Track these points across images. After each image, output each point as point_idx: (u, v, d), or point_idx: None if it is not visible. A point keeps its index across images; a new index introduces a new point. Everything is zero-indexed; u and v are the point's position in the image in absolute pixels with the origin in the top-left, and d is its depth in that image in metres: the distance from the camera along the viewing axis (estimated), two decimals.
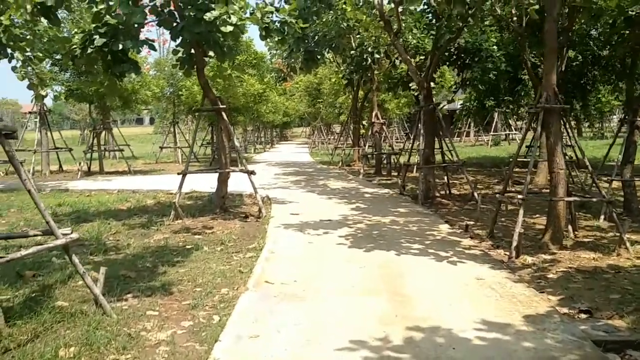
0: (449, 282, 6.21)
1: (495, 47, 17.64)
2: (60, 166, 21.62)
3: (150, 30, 72.82)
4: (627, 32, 10.98)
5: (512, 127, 38.01)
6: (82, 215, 10.99)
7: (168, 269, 6.87)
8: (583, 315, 5.21)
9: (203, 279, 6.42)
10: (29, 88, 12.79)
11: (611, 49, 16.09)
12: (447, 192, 13.42)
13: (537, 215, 10.21)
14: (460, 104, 24.43)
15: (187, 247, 8.13)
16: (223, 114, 10.31)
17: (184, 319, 5.12)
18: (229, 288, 6.06)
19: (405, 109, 32.54)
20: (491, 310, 5.22)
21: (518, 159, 16.02)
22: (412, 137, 27.58)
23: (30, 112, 20.91)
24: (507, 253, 7.52)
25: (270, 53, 21.73)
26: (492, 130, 38.56)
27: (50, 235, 4.81)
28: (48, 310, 5.05)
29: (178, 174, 10.45)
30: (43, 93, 10.17)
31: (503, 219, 9.82)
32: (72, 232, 4.87)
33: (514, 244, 7.42)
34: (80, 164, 19.94)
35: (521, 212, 7.76)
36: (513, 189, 11.96)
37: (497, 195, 8.95)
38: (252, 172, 10.40)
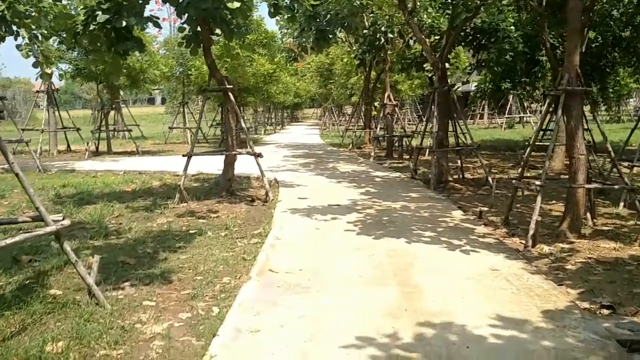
0: (462, 272, 5.90)
1: (512, 27, 17.11)
2: (69, 146, 21.46)
3: (162, 9, 72.21)
4: None
5: (528, 110, 37.27)
6: (85, 197, 10.77)
7: (169, 255, 6.62)
8: (605, 311, 4.89)
9: (205, 266, 6.16)
10: (34, 66, 12.51)
11: (633, 30, 15.52)
12: (461, 176, 13.05)
13: (554, 202, 9.83)
14: (475, 86, 23.93)
15: (191, 231, 7.88)
16: (230, 94, 9.99)
17: (181, 310, 4.86)
18: (231, 277, 5.79)
19: (418, 91, 32.01)
20: (507, 305, 4.91)
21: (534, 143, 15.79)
22: (424, 120, 27.20)
23: (38, 91, 20.70)
24: (523, 242, 7.20)
25: (281, 32, 21.23)
26: (507, 113, 37.87)
27: (41, 221, 4.54)
28: (39, 299, 4.81)
29: (183, 155, 10.18)
30: (48, 71, 9.86)
31: (518, 205, 9.47)
32: (63, 219, 4.60)
33: (531, 232, 7.09)
34: (88, 144, 19.74)
35: (539, 199, 7.41)
36: (529, 174, 11.58)
37: (514, 181, 8.58)
38: (259, 155, 10.10)
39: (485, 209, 9.55)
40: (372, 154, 17.91)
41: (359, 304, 4.96)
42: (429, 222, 8.35)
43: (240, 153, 10.30)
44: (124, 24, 8.48)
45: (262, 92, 24.50)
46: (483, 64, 19.08)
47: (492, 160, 17.34)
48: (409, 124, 33.89)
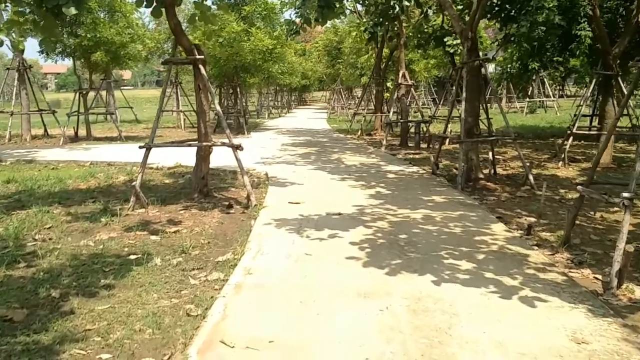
0: (531, 348, 3.63)
1: None
2: (46, 130, 19.25)
3: None
4: None
5: (557, 93, 34.49)
6: (24, 197, 8.59)
7: (81, 304, 4.40)
8: None
9: (123, 331, 3.92)
10: None
11: None
12: (492, 171, 10.70)
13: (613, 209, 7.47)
14: (500, 66, 21.43)
15: (131, 256, 5.64)
16: (201, 67, 7.68)
17: None
18: (155, 356, 3.55)
19: (433, 72, 29.46)
20: None
21: (575, 131, 13.38)
22: (439, 103, 24.69)
23: (8, 69, 18.48)
24: (599, 276, 5.00)
25: (281, 2, 18.87)
26: (528, 96, 35.16)
27: None
28: None
29: (140, 147, 7.89)
30: None
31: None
32: None
33: (616, 266, 4.80)
34: (64, 128, 17.50)
35: (627, 219, 5.07)
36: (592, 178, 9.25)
37: (579, 187, 6.21)
38: (238, 147, 7.80)
39: (533, 219, 7.27)
40: (384, 142, 15.41)
41: None
42: (464, 244, 6.05)
43: (214, 144, 8.00)
44: None
45: (262, 71, 22.01)
46: (512, 39, 16.54)
47: (522, 150, 14.92)
48: (422, 108, 31.36)
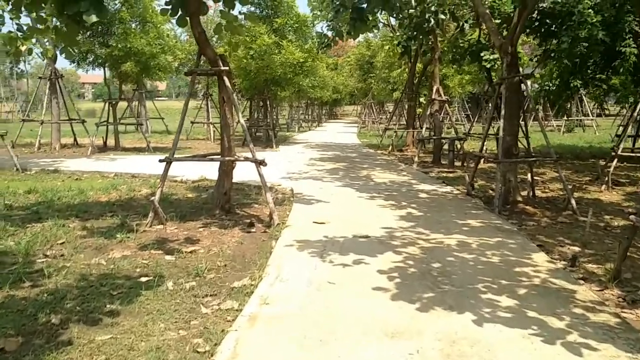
0: None
1: (590, 10, 13.98)
2: (75, 140, 19.28)
3: None
4: None
5: (597, 111, 33.32)
6: (42, 209, 8.35)
7: (81, 333, 4.03)
8: None
9: None
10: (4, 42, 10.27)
11: None
12: (531, 194, 10.08)
13: None
14: (537, 83, 20.73)
15: (143, 278, 5.27)
16: (226, 78, 7.35)
17: None
18: None
19: (468, 87, 28.82)
20: None
21: (620, 152, 12.62)
22: (473, 120, 24.05)
23: (40, 78, 18.60)
24: None
25: (313, 14, 18.58)
26: (566, 114, 34.07)
27: None
28: None
29: (160, 160, 7.57)
30: (23, 48, 7.50)
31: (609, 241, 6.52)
32: None
33: None
34: (92, 138, 17.46)
35: None
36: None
37: (633, 218, 5.62)
38: (261, 163, 7.41)
39: (577, 248, 6.68)
40: (416, 159, 14.86)
41: None
42: (503, 276, 5.50)
43: (237, 159, 7.63)
44: None
45: (293, 85, 21.72)
46: (552, 55, 15.88)
47: (562, 171, 14.20)
48: (456, 124, 30.66)
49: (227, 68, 7.31)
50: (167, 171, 7.59)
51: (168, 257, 6.01)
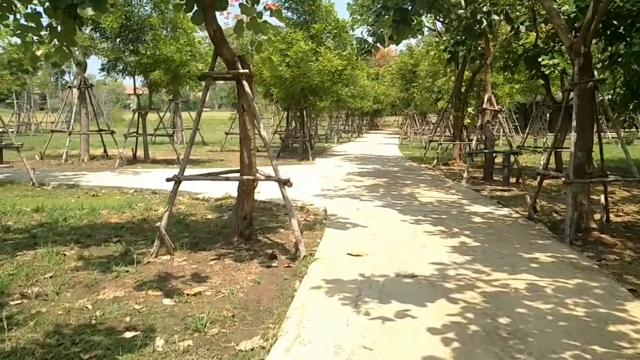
0: None
1: None
2: (105, 151, 18.61)
3: None
4: None
5: None
6: (41, 233, 7.40)
7: None
8: None
9: None
10: (22, 49, 9.53)
11: None
12: (605, 219, 8.59)
13: None
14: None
15: (128, 334, 4.14)
16: (245, 83, 6.22)
17: None
18: None
19: (517, 97, 27.12)
20: None
21: None
22: (527, 132, 22.28)
23: (70, 87, 18.02)
24: None
25: (352, 18, 17.41)
26: (636, 125, 31.73)
27: None
28: None
29: (168, 180, 6.46)
30: (38, 53, 6.66)
31: None
32: None
33: None
34: (121, 150, 16.71)
35: None
36: None
37: None
38: (285, 183, 6.22)
39: None
40: (465, 174, 13.39)
41: None
42: (596, 339, 4.13)
43: (256, 179, 6.47)
44: None
45: (331, 94, 20.53)
46: (619, 59, 14.23)
47: (632, 190, 12.57)
48: (502, 136, 28.86)
49: (246, 71, 6.18)
50: (176, 192, 6.48)
51: (166, 301, 4.87)
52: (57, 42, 6.58)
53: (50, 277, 5.58)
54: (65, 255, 6.35)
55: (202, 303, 4.83)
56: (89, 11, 5.80)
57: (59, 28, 6.41)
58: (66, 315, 4.56)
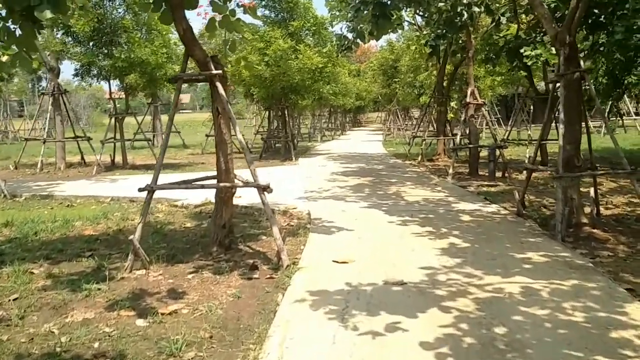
0: None
1: None
2: (82, 158, 18.10)
3: None
4: None
5: (636, 112, 31.18)
6: (9, 250, 7.01)
7: None
8: None
9: None
10: None
11: None
12: (595, 212, 8.38)
13: None
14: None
15: None
16: (218, 84, 5.89)
17: None
18: None
19: (498, 89, 27.04)
20: None
21: None
22: (511, 125, 22.20)
23: (43, 94, 17.50)
24: None
25: (331, 14, 17.10)
26: (619, 115, 31.92)
27: None
28: None
29: (140, 189, 6.11)
30: (4, 59, 6.23)
31: None
32: None
33: None
34: (98, 157, 16.24)
35: None
36: None
37: None
38: (265, 189, 5.90)
39: None
40: (450, 170, 13.15)
41: None
42: (598, 347, 3.88)
43: (235, 185, 6.14)
44: None
45: (313, 92, 20.21)
46: (601, 48, 14.09)
47: (619, 181, 12.41)
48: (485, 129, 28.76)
49: (219, 72, 5.85)
50: (150, 202, 6.13)
51: (140, 322, 4.54)
52: (15, 48, 6.11)
53: (15, 299, 5.22)
54: (33, 273, 5.99)
55: (178, 323, 4.50)
56: (48, 14, 5.44)
57: (17, 33, 5.97)
58: (29, 343, 4.20)
